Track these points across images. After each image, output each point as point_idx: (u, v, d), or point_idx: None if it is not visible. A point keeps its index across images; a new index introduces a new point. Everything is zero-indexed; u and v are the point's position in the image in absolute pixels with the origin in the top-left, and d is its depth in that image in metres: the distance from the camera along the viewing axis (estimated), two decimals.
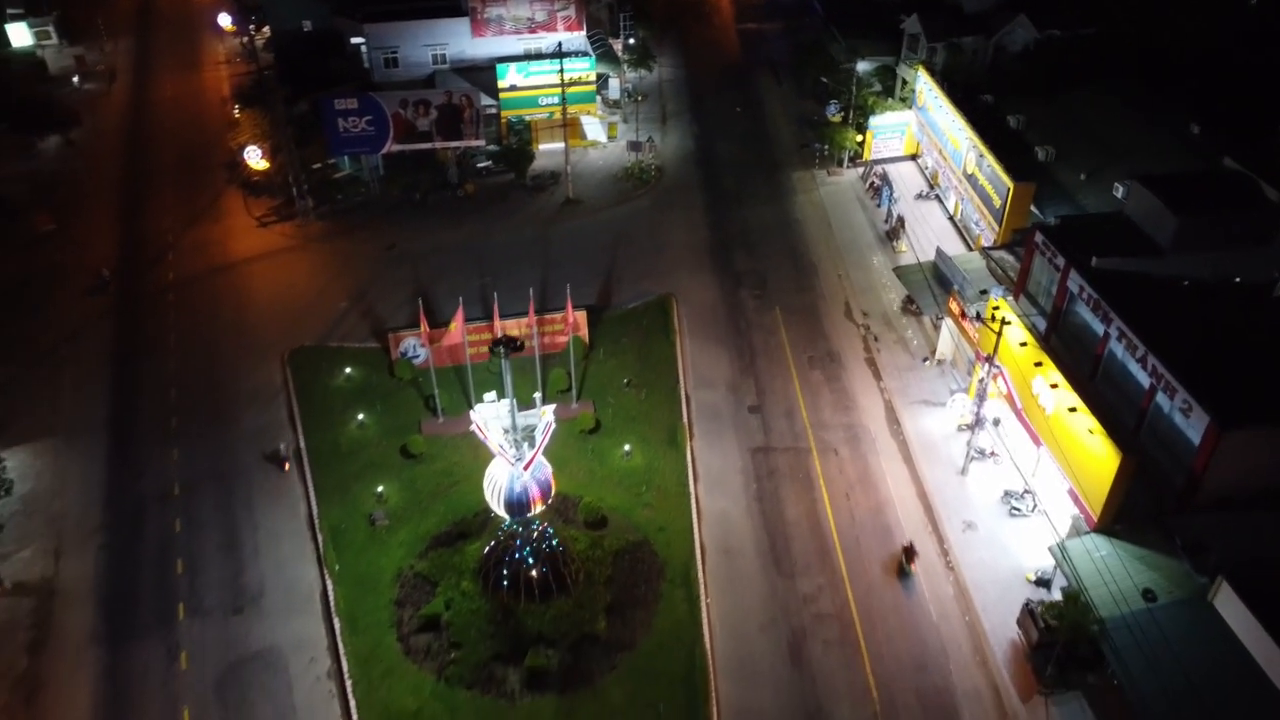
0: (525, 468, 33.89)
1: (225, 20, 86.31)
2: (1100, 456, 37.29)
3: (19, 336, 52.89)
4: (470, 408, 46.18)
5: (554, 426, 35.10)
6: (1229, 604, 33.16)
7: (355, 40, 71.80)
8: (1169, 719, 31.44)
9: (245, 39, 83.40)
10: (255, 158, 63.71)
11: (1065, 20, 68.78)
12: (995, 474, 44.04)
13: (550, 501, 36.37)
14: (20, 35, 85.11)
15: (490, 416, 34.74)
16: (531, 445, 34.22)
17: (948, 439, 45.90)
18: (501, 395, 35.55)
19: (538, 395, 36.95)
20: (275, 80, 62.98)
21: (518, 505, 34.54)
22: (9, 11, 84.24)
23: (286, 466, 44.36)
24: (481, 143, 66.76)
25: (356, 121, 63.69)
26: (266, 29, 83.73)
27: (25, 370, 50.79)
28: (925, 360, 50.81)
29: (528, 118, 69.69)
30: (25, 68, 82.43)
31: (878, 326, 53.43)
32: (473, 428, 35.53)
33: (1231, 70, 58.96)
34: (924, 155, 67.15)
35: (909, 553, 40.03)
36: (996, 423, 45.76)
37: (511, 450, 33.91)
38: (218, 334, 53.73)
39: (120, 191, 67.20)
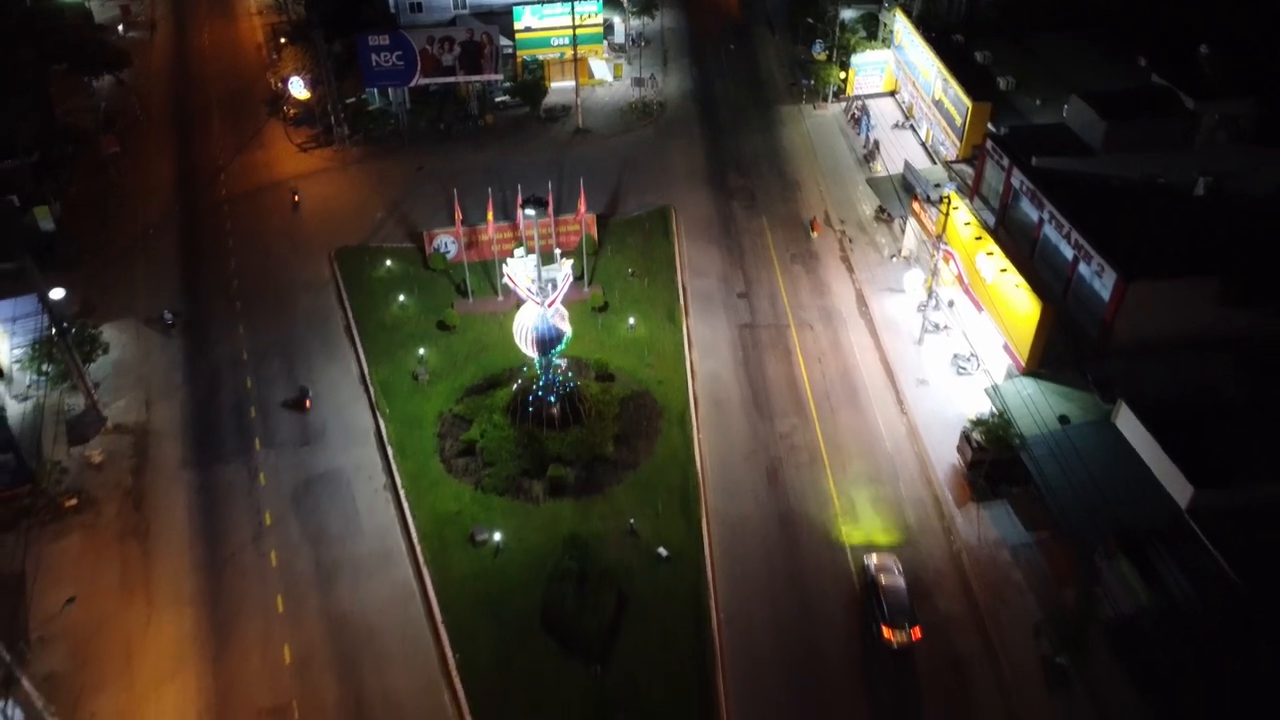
0: (549, 305, 41.23)
1: None
2: (1026, 311, 44.60)
3: (98, 239, 60.11)
4: (496, 295, 54.07)
5: (571, 278, 42.43)
6: (1127, 422, 40.48)
7: None
8: (1077, 515, 38.72)
9: None
10: (298, 87, 70.81)
11: None
12: (946, 343, 51.34)
13: (568, 338, 43.59)
14: None
15: (520, 269, 42.03)
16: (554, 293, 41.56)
17: (908, 318, 53.14)
18: (530, 252, 42.75)
19: (558, 250, 44.23)
20: (315, 17, 69.65)
21: (543, 341, 41.89)
22: None
23: (308, 404, 48.27)
24: (499, 77, 73.75)
25: (388, 57, 70.69)
26: None
27: (106, 266, 57.98)
28: (893, 257, 58.01)
29: (541, 57, 76.59)
30: (75, 17, 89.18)
31: (852, 231, 60.61)
32: (504, 279, 42.89)
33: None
34: (901, 90, 74.10)
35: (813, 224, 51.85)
36: (951, 304, 53.00)
37: (538, 294, 41.23)
38: (270, 239, 60.98)
39: (172, 123, 74.35)
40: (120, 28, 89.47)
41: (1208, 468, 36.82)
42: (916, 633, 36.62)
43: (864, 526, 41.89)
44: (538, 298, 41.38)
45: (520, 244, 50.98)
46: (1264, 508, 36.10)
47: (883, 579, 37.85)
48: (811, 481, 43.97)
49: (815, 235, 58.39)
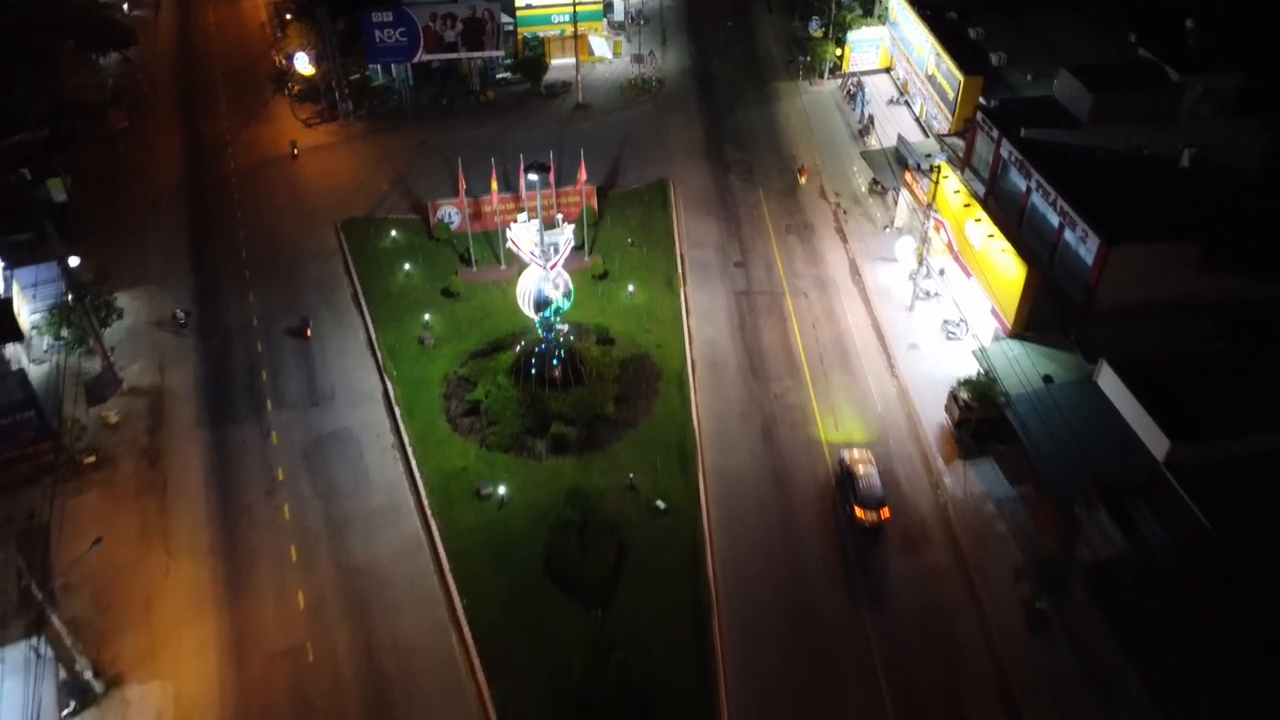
0: (551, 267, 42.71)
1: None
2: (1013, 276, 46.10)
3: (110, 210, 61.48)
4: (499, 264, 55.53)
5: (572, 242, 43.89)
6: (1108, 380, 42.01)
7: None
8: (1059, 469, 40.31)
9: None
10: (304, 62, 72.06)
11: None
12: (937, 309, 52.85)
13: (570, 299, 45.07)
14: None
15: (523, 234, 43.49)
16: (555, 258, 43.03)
17: (900, 286, 54.60)
18: (532, 218, 44.18)
19: (559, 215, 45.70)
20: None
21: (545, 302, 43.38)
22: None
23: (309, 333, 51.49)
24: (501, 54, 74.99)
25: (391, 33, 71.89)
26: None
27: (117, 237, 59.36)
28: (886, 228, 59.45)
29: (541, 34, 77.78)
30: None
31: (847, 204, 62.02)
32: (509, 244, 44.37)
33: None
34: (896, 67, 75.36)
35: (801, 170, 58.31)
36: (942, 272, 54.45)
37: (540, 257, 42.70)
38: (278, 210, 62.37)
39: (178, 99, 75.63)
40: (125, 6, 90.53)
41: (1184, 422, 38.36)
42: (885, 513, 40.63)
43: None
44: (541, 261, 42.82)
45: (523, 211, 52.41)
46: (1237, 460, 37.66)
47: (859, 469, 41.56)
48: (804, 442, 45.54)
49: (803, 181, 62.84)
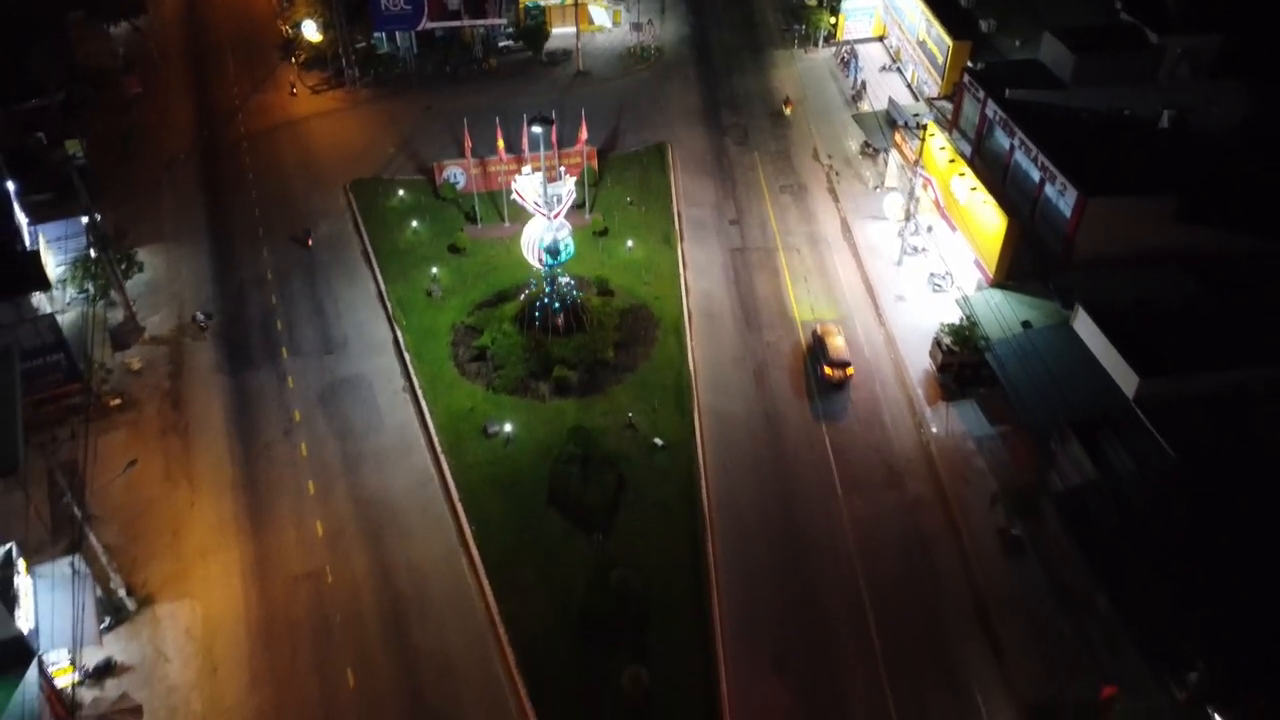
0: (554, 216, 44.86)
1: None
2: (995, 228, 48.24)
3: (125, 171, 63.51)
4: (503, 221, 57.64)
5: (574, 194, 46.00)
6: (1083, 324, 44.23)
7: None
8: (1036, 405, 42.61)
9: None
10: (311, 30, 73.84)
11: None
12: (923, 263, 55.00)
13: (571, 249, 47.26)
14: None
15: (528, 185, 45.60)
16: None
17: (889, 242, 56.72)
18: (536, 171, 46.27)
19: (562, 169, 47.81)
20: None
21: (550, 250, 45.55)
22: None
23: (310, 242, 56.29)
24: (503, 21, 76.80)
25: (396, 1, 73.63)
26: None
27: (132, 197, 61.38)
28: (876, 188, 61.52)
29: (542, 3, 79.50)
30: None
31: (839, 165, 64.07)
32: (514, 196, 46.50)
33: None
34: (889, 35, 77.19)
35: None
36: (929, 229, 56.57)
37: (545, 207, 44.84)
38: (288, 172, 64.39)
39: (188, 67, 77.39)
40: None
41: (1152, 360, 40.63)
42: (849, 371, 47.20)
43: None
44: (545, 210, 44.96)
45: (527, 165, 54.35)
46: (1203, 395, 39.95)
47: (829, 339, 47.92)
48: (794, 385, 47.80)
49: (788, 112, 69.28)
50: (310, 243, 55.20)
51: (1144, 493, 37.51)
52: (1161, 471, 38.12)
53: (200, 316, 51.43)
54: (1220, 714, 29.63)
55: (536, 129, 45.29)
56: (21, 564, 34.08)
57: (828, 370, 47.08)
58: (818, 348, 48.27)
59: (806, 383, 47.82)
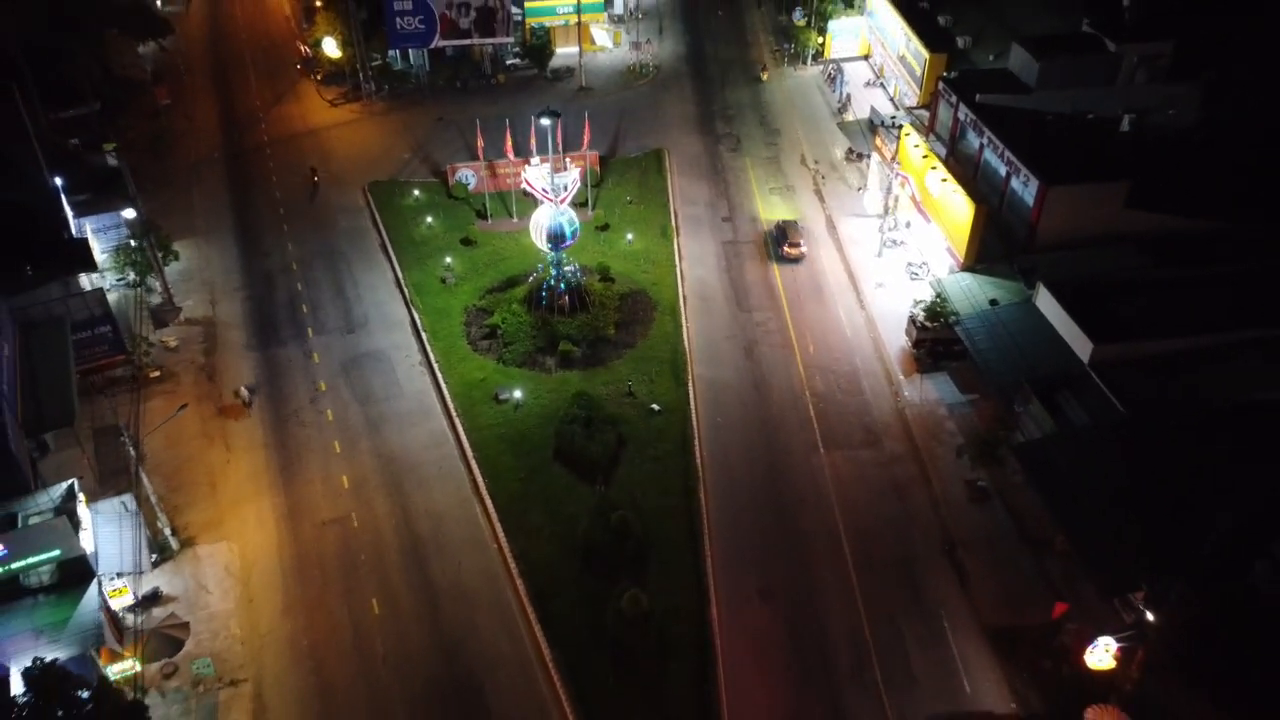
0: (560, 202, 49.14)
1: None
2: (963, 215, 52.52)
3: (158, 172, 67.91)
4: (512, 217, 61.94)
5: (579, 183, 50.27)
6: (1045, 300, 48.34)
7: None
8: (1001, 370, 46.60)
9: None
10: (331, 46, 78.69)
11: None
12: (902, 255, 59.23)
13: (577, 236, 51.45)
14: None
15: (536, 175, 49.93)
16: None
17: (870, 237, 60.96)
18: (544, 163, 50.58)
19: (568, 159, 52.11)
20: None
21: (557, 235, 49.79)
22: None
23: (316, 179, 64.13)
24: (510, 40, 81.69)
25: (411, 20, 78.50)
26: None
27: (166, 194, 65.71)
28: (859, 189, 65.94)
29: (547, 24, 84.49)
30: None
31: (825, 170, 68.53)
32: (523, 185, 50.82)
33: None
34: (873, 54, 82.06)
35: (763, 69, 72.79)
36: (908, 225, 60.86)
37: (552, 193, 49.14)
38: (309, 173, 68.79)
39: (213, 80, 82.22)
40: (159, 2, 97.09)
41: (1105, 327, 44.69)
42: (802, 250, 58.61)
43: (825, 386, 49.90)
44: (552, 196, 49.27)
45: (535, 157, 58.63)
46: (1151, 358, 43.96)
47: (789, 230, 59.25)
48: (781, 359, 51.87)
49: (765, 78, 79.54)
50: (316, 179, 61.96)
51: (1092, 437, 41.39)
52: (1112, 424, 42.04)
53: (244, 391, 49.47)
54: (1151, 612, 33.27)
55: (545, 121, 49.78)
56: (82, 498, 37.84)
57: (787, 248, 58.73)
58: (779, 235, 59.91)
59: (786, 365, 51.81)
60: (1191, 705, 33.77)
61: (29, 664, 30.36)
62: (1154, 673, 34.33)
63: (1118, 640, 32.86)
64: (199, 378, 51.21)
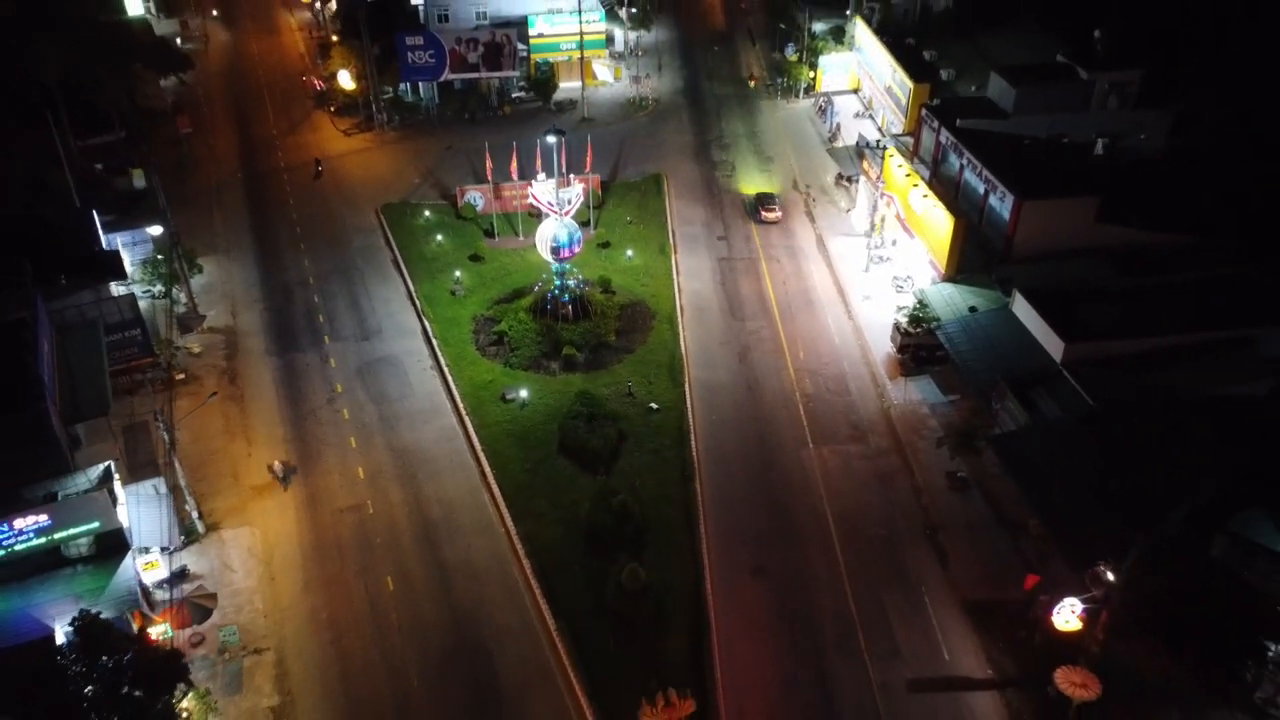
0: (564, 214, 52.42)
1: None
2: (944, 229, 55.78)
3: (180, 193, 71.32)
4: (518, 236, 65.26)
5: (583, 198, 53.60)
6: (1020, 306, 51.40)
7: (415, 1, 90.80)
8: (979, 370, 49.54)
9: (317, 5, 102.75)
10: (346, 78, 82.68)
11: None
12: (888, 269, 62.42)
13: (580, 248, 54.63)
14: (134, 5, 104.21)
15: (543, 190, 53.27)
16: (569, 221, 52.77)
17: (858, 254, 64.20)
18: (549, 179, 53.99)
19: (572, 175, 55.48)
20: (364, 15, 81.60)
21: (561, 247, 52.97)
22: None
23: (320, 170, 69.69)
24: (516, 74, 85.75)
25: (422, 55, 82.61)
26: (333, 3, 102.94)
27: (189, 215, 68.99)
28: (848, 211, 69.35)
29: (551, 60, 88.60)
30: (141, 30, 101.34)
31: (815, 193, 72.04)
32: (530, 199, 54.12)
33: None
34: (862, 87, 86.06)
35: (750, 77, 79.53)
36: (894, 243, 64.14)
37: (557, 207, 52.43)
38: (325, 196, 72.34)
39: (231, 110, 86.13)
40: (179, 40, 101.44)
41: (1075, 329, 47.69)
42: (778, 216, 67.57)
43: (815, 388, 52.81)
44: (558, 209, 52.56)
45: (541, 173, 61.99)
46: (1116, 357, 46.90)
47: (766, 199, 68.42)
48: (773, 364, 54.82)
49: (753, 85, 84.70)
50: (320, 171, 67.91)
51: (1063, 428, 44.21)
52: (1082, 416, 44.86)
53: (278, 466, 48.00)
54: (1113, 574, 35.86)
55: (551, 139, 53.18)
56: (117, 477, 40.54)
57: (764, 212, 67.88)
58: (756, 203, 68.93)
59: (777, 368, 54.77)
60: (1151, 661, 36.28)
61: (72, 619, 32.82)
62: (1119, 636, 36.83)
63: (1083, 602, 35.38)
64: (221, 380, 54.05)
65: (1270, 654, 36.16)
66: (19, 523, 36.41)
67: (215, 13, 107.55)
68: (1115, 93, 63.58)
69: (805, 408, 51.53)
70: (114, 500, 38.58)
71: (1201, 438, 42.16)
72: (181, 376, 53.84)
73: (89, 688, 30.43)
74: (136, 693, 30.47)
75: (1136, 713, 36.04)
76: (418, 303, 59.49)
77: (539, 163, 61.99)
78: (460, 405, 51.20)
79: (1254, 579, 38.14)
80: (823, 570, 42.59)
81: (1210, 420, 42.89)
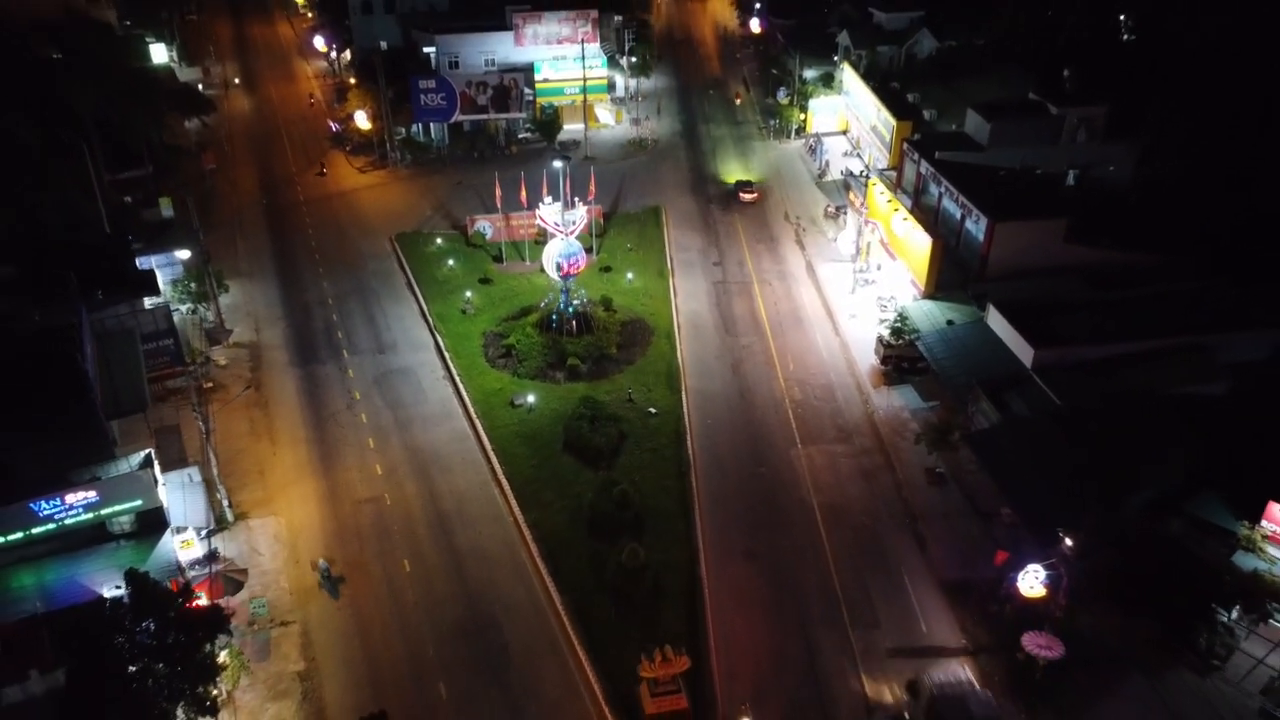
0: (570, 234, 56.45)
1: (319, 41, 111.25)
2: (923, 250, 59.77)
3: (205, 224, 75.35)
4: (525, 261, 69.31)
5: (588, 219, 57.67)
6: (994, 319, 55.12)
7: (427, 49, 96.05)
8: (956, 376, 53.13)
9: (333, 54, 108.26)
10: (362, 119, 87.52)
11: (960, 32, 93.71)
12: (873, 291, 66.33)
13: (583, 267, 58.57)
14: (159, 53, 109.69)
15: (549, 212, 57.41)
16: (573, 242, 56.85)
17: (845, 278, 68.17)
18: (555, 203, 58.15)
19: (577, 198, 59.61)
20: (380, 63, 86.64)
21: (566, 264, 56.92)
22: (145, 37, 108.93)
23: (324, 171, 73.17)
24: (523, 115, 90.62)
25: (434, 97, 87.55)
26: (348, 53, 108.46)
27: (213, 243, 72.92)
28: (835, 239, 73.51)
29: (556, 103, 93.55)
30: (165, 76, 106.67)
31: (805, 224, 76.30)
32: (538, 221, 58.20)
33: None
34: (850, 128, 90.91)
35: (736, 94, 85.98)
36: (879, 267, 68.16)
37: (563, 228, 56.49)
38: (342, 226, 76.56)
39: (252, 150, 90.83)
40: (200, 85, 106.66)
41: (1044, 336, 51.36)
42: (756, 196, 76.13)
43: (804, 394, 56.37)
44: (563, 229, 56.61)
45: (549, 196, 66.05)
46: (1082, 361, 50.49)
47: (744, 185, 78.15)
48: (764, 375, 58.44)
49: (738, 102, 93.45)
50: (324, 171, 74.74)
51: (1033, 424, 47.68)
52: (1051, 415, 48.35)
53: (322, 564, 45.17)
54: (1070, 537, 39.13)
55: (557, 164, 57.39)
56: (156, 463, 43.88)
57: (742, 195, 78.41)
58: (738, 188, 79.06)
59: (768, 378, 58.41)
60: (1112, 627, 39.35)
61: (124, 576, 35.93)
62: (1082, 605, 39.97)
63: (1045, 569, 38.59)
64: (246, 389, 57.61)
65: (1220, 620, 39.33)
66: (70, 498, 39.69)
67: (235, 65, 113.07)
68: (1083, 125, 68.13)
69: (794, 413, 55.00)
70: (155, 481, 41.86)
71: (1160, 434, 45.67)
72: (210, 385, 57.33)
73: (139, 636, 33.48)
74: (182, 637, 33.49)
75: (1098, 673, 38.96)
76: (430, 320, 63.27)
77: (545, 189, 66.37)
78: (471, 410, 54.67)
79: (1207, 554, 41.50)
80: (810, 554, 45.73)
81: (1168, 418, 46.44)
